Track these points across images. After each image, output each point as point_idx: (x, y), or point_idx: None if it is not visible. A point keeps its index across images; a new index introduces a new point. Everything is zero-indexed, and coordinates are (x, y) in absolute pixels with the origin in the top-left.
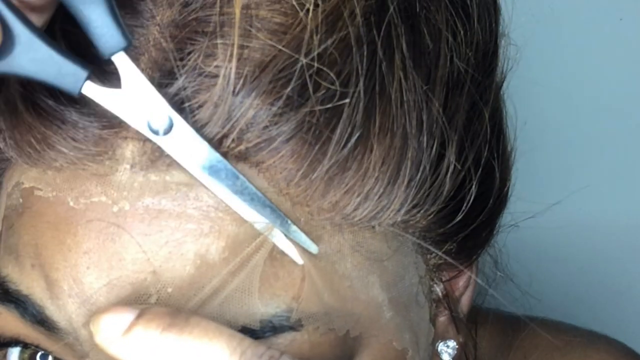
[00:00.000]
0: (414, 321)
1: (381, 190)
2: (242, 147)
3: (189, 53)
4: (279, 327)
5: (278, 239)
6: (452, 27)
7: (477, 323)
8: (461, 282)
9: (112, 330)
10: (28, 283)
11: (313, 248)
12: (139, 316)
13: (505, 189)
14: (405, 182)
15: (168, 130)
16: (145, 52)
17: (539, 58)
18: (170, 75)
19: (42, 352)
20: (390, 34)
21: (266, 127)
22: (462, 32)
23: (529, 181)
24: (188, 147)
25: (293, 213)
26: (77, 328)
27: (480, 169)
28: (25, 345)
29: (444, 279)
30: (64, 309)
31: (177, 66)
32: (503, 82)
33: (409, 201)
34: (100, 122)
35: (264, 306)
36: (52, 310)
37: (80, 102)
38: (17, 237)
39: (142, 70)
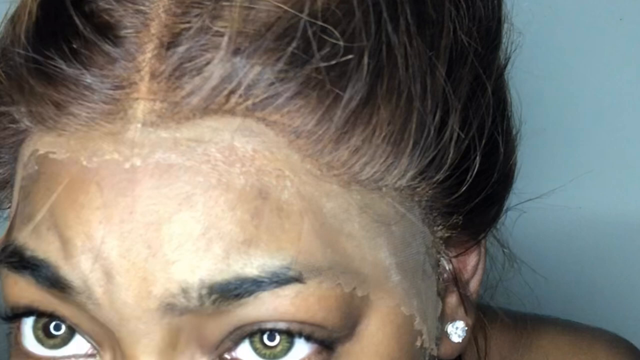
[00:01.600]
0: (421, 289)
1: (387, 150)
2: (249, 102)
3: (196, 16)
4: (284, 278)
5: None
6: (455, 1)
7: (487, 321)
8: (470, 264)
9: None
10: (44, 247)
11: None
12: None
13: (510, 164)
14: (411, 145)
15: None
16: (156, 17)
17: (539, 58)
18: (179, 36)
19: (56, 322)
20: (396, 2)
21: (272, 83)
22: (464, 6)
23: (532, 169)
24: None
25: (303, 166)
26: (90, 285)
27: (484, 141)
28: (39, 315)
29: (451, 255)
30: (78, 267)
31: (185, 28)
32: (507, 63)
33: (414, 165)
34: (112, 82)
35: (270, 258)
36: (66, 270)
37: (92, 64)
38: (32, 205)
39: (153, 35)
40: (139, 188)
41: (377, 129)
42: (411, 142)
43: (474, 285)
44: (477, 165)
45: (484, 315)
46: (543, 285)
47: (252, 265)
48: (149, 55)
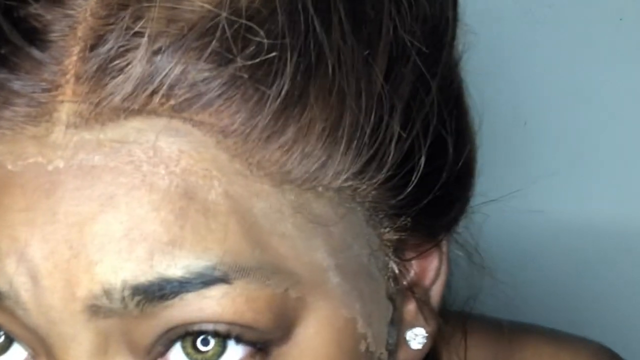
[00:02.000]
0: (364, 292)
1: (320, 149)
2: (172, 102)
3: (120, 17)
4: (210, 279)
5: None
6: (397, 0)
7: (466, 332)
8: (430, 269)
9: None
10: None
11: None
12: None
13: (462, 165)
14: (344, 144)
15: None
16: (83, 20)
17: (538, 58)
18: (103, 37)
19: None
20: (328, 0)
21: (195, 82)
22: (406, 5)
23: (499, 170)
24: None
25: (231, 165)
26: (16, 289)
27: (430, 141)
28: None
29: (405, 257)
30: (3, 271)
31: (109, 30)
32: (458, 61)
33: (349, 165)
34: (39, 86)
35: (195, 259)
36: None
37: (19, 69)
38: None
39: (79, 38)
40: (61, 190)
41: (308, 128)
42: (344, 141)
43: (436, 290)
44: (422, 166)
45: (464, 323)
46: (510, 290)
47: (177, 266)
48: (74, 58)
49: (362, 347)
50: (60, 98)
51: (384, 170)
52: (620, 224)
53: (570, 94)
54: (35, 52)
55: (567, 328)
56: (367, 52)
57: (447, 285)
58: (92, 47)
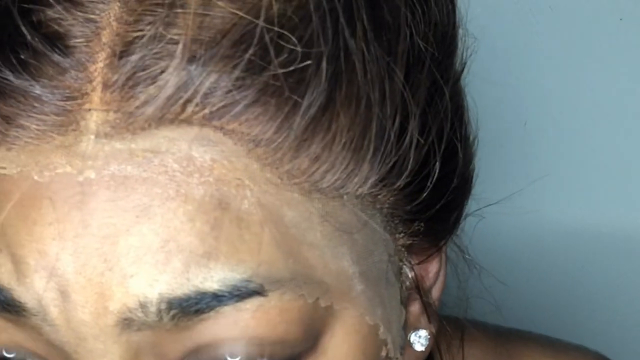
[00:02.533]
0: (384, 298)
1: (348, 157)
2: (205, 111)
3: (149, 24)
4: (245, 292)
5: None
6: (410, 6)
7: (464, 339)
8: (431, 271)
9: None
10: None
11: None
12: None
13: (469, 170)
14: (371, 151)
15: None
16: (107, 26)
17: (538, 58)
18: (132, 44)
19: (5, 346)
20: (352, 6)
21: (229, 91)
22: (420, 11)
23: (492, 173)
24: None
25: (262, 175)
26: (45, 305)
27: (444, 147)
28: None
29: (413, 262)
30: (32, 287)
31: (138, 36)
32: (463, 69)
33: (375, 172)
34: (63, 93)
35: (230, 271)
36: (20, 292)
37: (41, 75)
38: None
39: (104, 44)
40: (93, 201)
41: (336, 136)
42: (372, 149)
43: (436, 292)
44: (437, 171)
45: (461, 331)
46: (503, 291)
47: (213, 279)
48: (100, 65)
49: (384, 354)
50: (87, 106)
51: (404, 177)
52: (619, 225)
53: (570, 94)
54: (58, 58)
55: (563, 330)
56: (388, 58)
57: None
58: (121, 54)
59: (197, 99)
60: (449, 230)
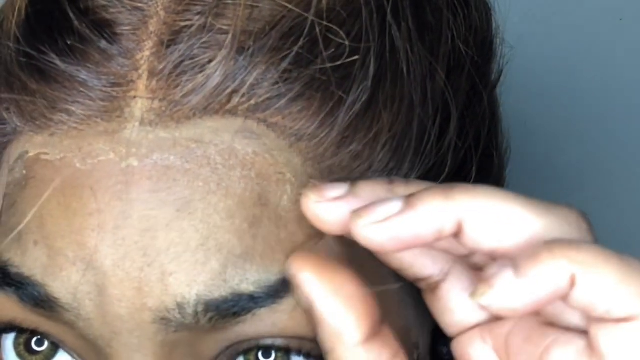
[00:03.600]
0: (417, 300)
1: (388, 156)
2: (252, 102)
3: (198, 13)
4: (281, 292)
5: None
6: (452, 9)
7: None
8: None
9: (333, 192)
10: (30, 264)
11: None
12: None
13: (502, 178)
14: (412, 151)
15: None
16: (154, 15)
17: (538, 58)
18: (180, 33)
19: (39, 336)
20: (397, 5)
21: (276, 83)
22: (461, 15)
23: (525, 180)
24: None
25: (303, 170)
26: (80, 299)
27: (480, 151)
28: (20, 330)
29: None
30: (68, 281)
31: (186, 26)
32: (499, 77)
33: (414, 173)
34: (108, 79)
35: (265, 273)
36: (54, 287)
37: (88, 60)
38: (19, 215)
39: (152, 33)
40: (135, 191)
41: (378, 134)
42: (412, 148)
43: None
44: (472, 177)
45: None
46: None
47: (248, 281)
48: (147, 53)
49: (415, 357)
50: (132, 94)
51: (441, 179)
52: (619, 226)
53: (570, 94)
54: (105, 44)
55: None
56: (431, 58)
57: None
58: (169, 43)
59: (244, 90)
60: None
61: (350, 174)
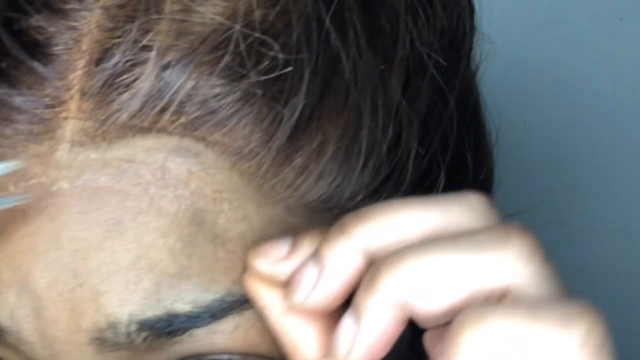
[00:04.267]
0: None
1: (336, 169)
2: (182, 119)
3: (127, 30)
4: (219, 313)
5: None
6: (413, 12)
7: None
8: None
9: (275, 254)
10: None
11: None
12: (298, 239)
13: (484, 179)
14: (361, 163)
15: None
16: (88, 33)
17: (538, 58)
18: (109, 51)
19: None
20: (343, 13)
21: (206, 99)
22: (423, 17)
23: (509, 182)
24: None
25: (245, 190)
26: (18, 321)
27: (449, 157)
28: None
29: None
30: (5, 303)
31: (115, 43)
32: (475, 74)
33: (366, 184)
34: (42, 102)
35: (203, 292)
36: None
37: (20, 84)
38: None
39: (84, 51)
40: (65, 213)
41: (323, 147)
42: (361, 160)
43: None
44: (441, 183)
45: None
46: None
47: (184, 300)
48: (79, 72)
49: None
50: (64, 114)
51: (402, 189)
52: (620, 227)
53: (570, 94)
54: (38, 66)
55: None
56: (383, 66)
57: None
58: (98, 62)
59: (173, 107)
60: None
61: (295, 191)
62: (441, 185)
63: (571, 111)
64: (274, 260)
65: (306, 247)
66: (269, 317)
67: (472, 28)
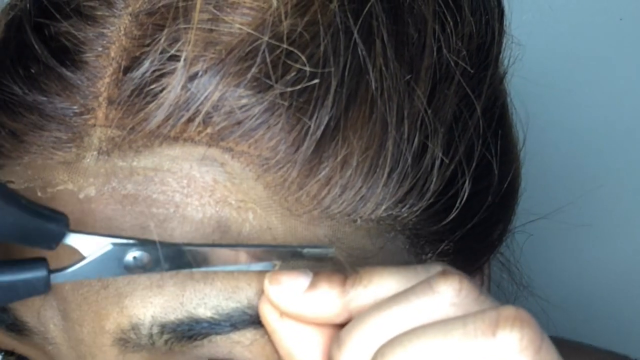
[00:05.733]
0: None
1: (360, 181)
2: (209, 130)
3: (156, 39)
4: (240, 322)
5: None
6: (441, 19)
7: None
8: None
9: (292, 288)
10: None
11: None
12: (316, 280)
13: (505, 185)
14: (386, 174)
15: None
16: (116, 40)
17: (538, 58)
18: (137, 60)
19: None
20: (371, 23)
21: (233, 110)
22: (451, 24)
23: (536, 184)
24: None
25: (269, 201)
26: (45, 323)
27: (474, 164)
28: (7, 353)
29: None
30: (32, 305)
31: (143, 52)
32: (502, 78)
33: (390, 195)
34: (70, 109)
35: (225, 299)
36: (22, 310)
37: (50, 90)
38: None
39: (112, 59)
40: (92, 219)
41: (348, 159)
42: (386, 172)
43: None
44: (466, 191)
45: None
46: (552, 308)
47: (206, 306)
48: (107, 80)
49: None
50: (92, 122)
51: (426, 198)
52: (621, 228)
53: (570, 94)
54: (67, 74)
55: (602, 339)
56: (409, 75)
57: None
58: (126, 70)
59: (200, 118)
60: (488, 248)
61: (319, 204)
62: (466, 194)
63: (571, 110)
64: (291, 291)
65: (325, 289)
66: (266, 320)
67: (502, 32)
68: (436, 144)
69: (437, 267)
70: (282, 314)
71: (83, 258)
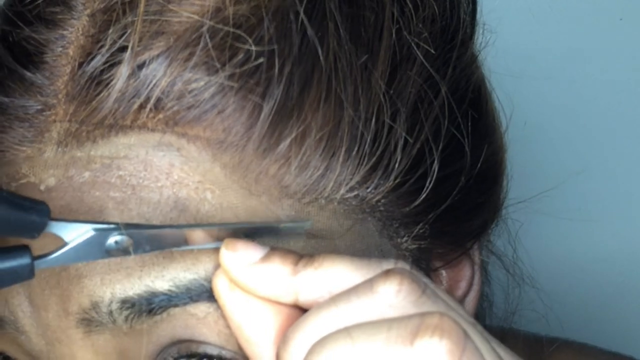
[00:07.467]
0: None
1: (318, 159)
2: (160, 115)
3: (106, 33)
4: (197, 293)
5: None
6: (400, 2)
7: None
8: (462, 278)
9: (246, 257)
10: None
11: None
12: (270, 253)
13: (480, 167)
14: (343, 152)
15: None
16: (75, 40)
17: (538, 58)
18: (91, 54)
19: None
20: (324, 6)
21: (183, 94)
22: (411, 7)
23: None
24: None
25: (227, 180)
26: (14, 310)
27: (442, 145)
28: None
29: (432, 267)
30: (4, 296)
31: (98, 47)
32: (474, 60)
33: (351, 173)
34: (33, 108)
35: (184, 271)
36: None
37: (14, 92)
38: None
39: (71, 58)
40: (51, 206)
41: (304, 138)
42: (343, 150)
43: (470, 301)
44: (435, 171)
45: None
46: (547, 299)
47: (164, 278)
48: (66, 77)
49: None
50: (52, 118)
51: (392, 178)
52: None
53: (570, 94)
54: (28, 75)
55: (608, 340)
56: (365, 56)
57: (488, 300)
58: (81, 65)
59: (151, 104)
60: (471, 233)
61: (279, 182)
62: (434, 174)
63: (571, 110)
64: (244, 260)
65: (277, 264)
66: (217, 290)
67: (472, 17)
68: (399, 124)
69: (389, 264)
70: (232, 282)
71: (66, 244)
